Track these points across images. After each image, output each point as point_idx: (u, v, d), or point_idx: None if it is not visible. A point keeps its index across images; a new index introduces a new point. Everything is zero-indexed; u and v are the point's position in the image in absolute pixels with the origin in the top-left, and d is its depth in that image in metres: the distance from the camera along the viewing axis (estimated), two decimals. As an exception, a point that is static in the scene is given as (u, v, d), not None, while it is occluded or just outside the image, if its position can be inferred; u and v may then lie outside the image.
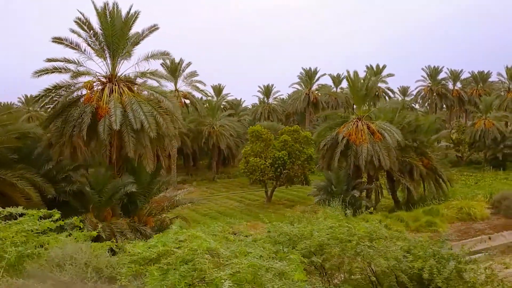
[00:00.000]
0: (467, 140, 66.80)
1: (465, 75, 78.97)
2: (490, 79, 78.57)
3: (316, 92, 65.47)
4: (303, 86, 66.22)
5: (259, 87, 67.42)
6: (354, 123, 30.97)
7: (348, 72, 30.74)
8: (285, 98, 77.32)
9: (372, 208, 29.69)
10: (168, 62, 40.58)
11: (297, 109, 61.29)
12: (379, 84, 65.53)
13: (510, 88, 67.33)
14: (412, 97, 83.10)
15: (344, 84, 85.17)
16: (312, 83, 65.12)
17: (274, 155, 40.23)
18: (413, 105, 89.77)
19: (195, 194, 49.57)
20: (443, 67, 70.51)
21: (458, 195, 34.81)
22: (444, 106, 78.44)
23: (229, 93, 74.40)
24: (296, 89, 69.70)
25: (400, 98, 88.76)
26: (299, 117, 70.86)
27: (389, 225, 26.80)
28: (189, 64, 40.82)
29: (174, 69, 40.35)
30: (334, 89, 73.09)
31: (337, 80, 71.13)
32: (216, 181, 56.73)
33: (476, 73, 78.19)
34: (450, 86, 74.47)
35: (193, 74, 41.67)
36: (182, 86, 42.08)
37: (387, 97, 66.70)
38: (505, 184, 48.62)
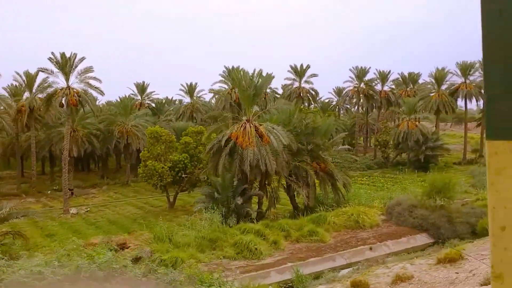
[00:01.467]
0: (391, 141, 66.69)
1: (395, 76, 79.13)
2: (420, 81, 79.09)
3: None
4: (229, 85, 63.93)
5: (182, 85, 64.58)
6: (242, 125, 28.79)
7: (234, 69, 28.41)
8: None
9: (267, 214, 27.59)
10: (58, 56, 37.05)
11: (219, 109, 58.78)
12: (304, 85, 64.30)
13: (436, 89, 67.56)
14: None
15: (273, 84, 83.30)
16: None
17: (174, 158, 37.64)
18: (347, 106, 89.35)
19: (98, 200, 46.38)
20: (369, 68, 70.03)
21: (359, 199, 33.42)
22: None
23: (154, 91, 71.10)
24: (224, 88, 67.26)
25: (335, 99, 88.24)
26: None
27: (267, 235, 24.90)
28: (82, 59, 37.46)
29: (64, 64, 36.89)
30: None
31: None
32: (130, 185, 53.47)
33: (405, 74, 78.49)
34: (379, 87, 74.30)
35: (88, 70, 38.32)
36: (75, 83, 38.50)
37: (310, 98, 65.47)
38: (421, 187, 48.20)
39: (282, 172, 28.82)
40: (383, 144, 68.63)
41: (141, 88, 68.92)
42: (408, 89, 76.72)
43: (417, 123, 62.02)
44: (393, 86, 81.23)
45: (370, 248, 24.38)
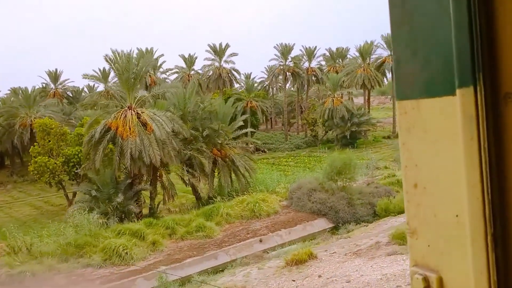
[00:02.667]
0: (318, 119, 65.62)
1: (322, 52, 77.91)
2: (350, 56, 78.28)
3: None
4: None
5: (94, 71, 60.11)
6: (122, 113, 25.86)
7: (113, 52, 25.33)
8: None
9: (163, 208, 24.74)
10: None
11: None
12: (224, 65, 61.63)
13: (361, 65, 66.75)
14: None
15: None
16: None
17: (67, 152, 34.20)
18: (280, 85, 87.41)
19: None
20: (294, 44, 68.18)
21: (266, 185, 31.53)
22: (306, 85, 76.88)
23: (68, 79, 66.24)
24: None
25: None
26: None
27: (147, 235, 22.44)
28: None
29: None
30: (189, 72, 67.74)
31: (189, 61, 65.92)
32: (39, 182, 49.28)
33: (333, 50, 77.38)
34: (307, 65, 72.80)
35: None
36: None
37: (233, 79, 62.98)
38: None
39: (171, 162, 26.26)
40: (311, 122, 67.44)
41: (54, 76, 63.95)
42: (336, 65, 75.69)
43: (342, 99, 60.98)
44: (323, 63, 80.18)
45: (260, 240, 22.45)
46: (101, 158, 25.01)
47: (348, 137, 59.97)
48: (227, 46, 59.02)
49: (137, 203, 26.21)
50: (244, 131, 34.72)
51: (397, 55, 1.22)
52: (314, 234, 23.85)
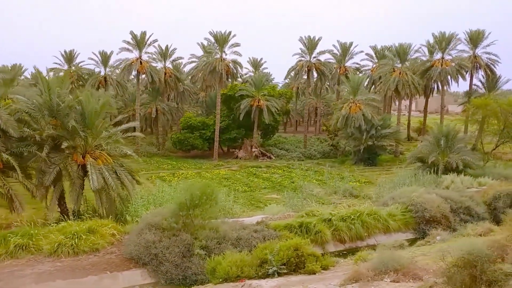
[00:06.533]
0: (331, 127, 56.23)
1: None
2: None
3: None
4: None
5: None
6: None
7: None
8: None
9: None
10: None
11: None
12: (230, 57, 54.52)
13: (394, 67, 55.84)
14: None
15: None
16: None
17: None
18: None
19: None
20: (320, 38, 59.07)
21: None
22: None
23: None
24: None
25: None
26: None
27: None
28: None
29: None
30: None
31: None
32: None
33: (378, 47, 66.73)
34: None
35: None
36: None
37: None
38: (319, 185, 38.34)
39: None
40: (332, 130, 58.15)
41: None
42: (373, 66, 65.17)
43: (361, 106, 51.08)
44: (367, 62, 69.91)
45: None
46: None
47: (362, 151, 50.06)
48: (229, 34, 51.94)
49: None
50: (134, 134, 27.73)
51: None
52: (113, 292, 16.61)
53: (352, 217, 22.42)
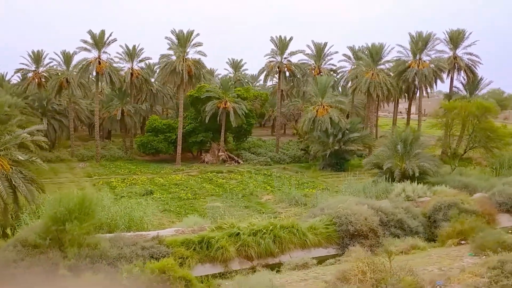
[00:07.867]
0: (300, 130, 54.04)
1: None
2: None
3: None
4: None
5: None
6: None
7: None
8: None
9: None
10: None
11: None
12: (193, 57, 52.40)
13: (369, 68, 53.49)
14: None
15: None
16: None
17: None
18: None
19: None
20: (291, 38, 56.98)
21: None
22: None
23: None
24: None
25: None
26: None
27: None
28: None
29: None
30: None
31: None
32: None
33: (356, 47, 64.46)
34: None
35: None
36: None
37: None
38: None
39: None
40: (302, 134, 55.96)
41: None
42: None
43: (329, 108, 48.93)
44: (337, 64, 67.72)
45: None
46: None
47: (329, 155, 47.90)
48: (191, 33, 49.85)
49: None
50: (37, 138, 25.67)
51: None
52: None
53: (264, 231, 20.25)
